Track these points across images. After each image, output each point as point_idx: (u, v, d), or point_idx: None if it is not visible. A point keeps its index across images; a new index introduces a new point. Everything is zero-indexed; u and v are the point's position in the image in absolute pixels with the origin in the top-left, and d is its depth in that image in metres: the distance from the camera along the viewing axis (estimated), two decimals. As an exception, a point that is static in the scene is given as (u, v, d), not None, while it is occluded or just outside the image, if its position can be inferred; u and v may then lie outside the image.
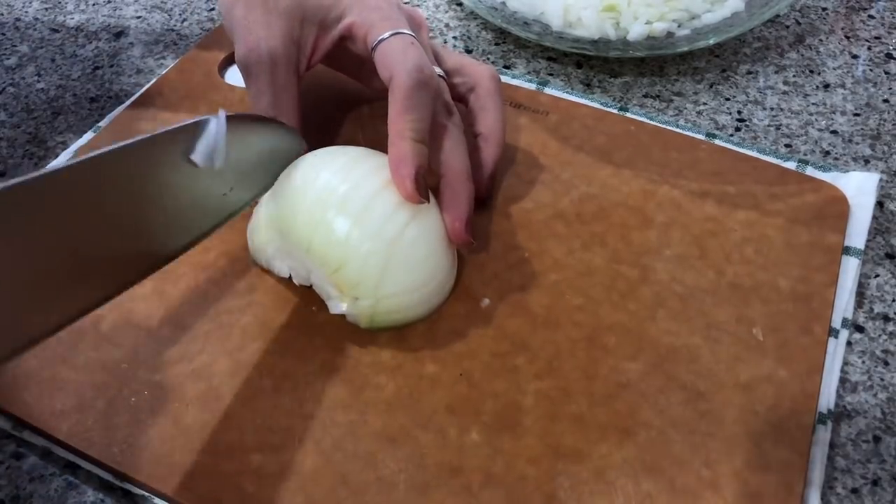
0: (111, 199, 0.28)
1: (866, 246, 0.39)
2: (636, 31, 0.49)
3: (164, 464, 0.31)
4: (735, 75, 0.49)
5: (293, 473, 0.31)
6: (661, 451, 0.31)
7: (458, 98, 0.39)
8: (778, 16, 0.53)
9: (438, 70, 0.38)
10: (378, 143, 0.35)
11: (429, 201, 0.34)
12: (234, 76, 0.47)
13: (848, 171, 0.42)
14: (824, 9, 0.54)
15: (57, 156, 0.45)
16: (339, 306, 0.34)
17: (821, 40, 0.52)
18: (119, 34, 0.54)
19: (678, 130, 0.44)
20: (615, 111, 0.46)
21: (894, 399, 0.34)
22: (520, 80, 0.48)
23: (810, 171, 0.42)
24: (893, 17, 0.54)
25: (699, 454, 0.31)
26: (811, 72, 0.49)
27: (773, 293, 0.36)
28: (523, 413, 0.32)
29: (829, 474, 0.32)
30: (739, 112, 0.47)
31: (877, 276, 0.38)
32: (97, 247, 0.28)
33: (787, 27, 0.53)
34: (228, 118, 0.31)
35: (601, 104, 0.46)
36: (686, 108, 0.47)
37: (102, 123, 0.46)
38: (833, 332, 0.35)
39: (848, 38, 0.52)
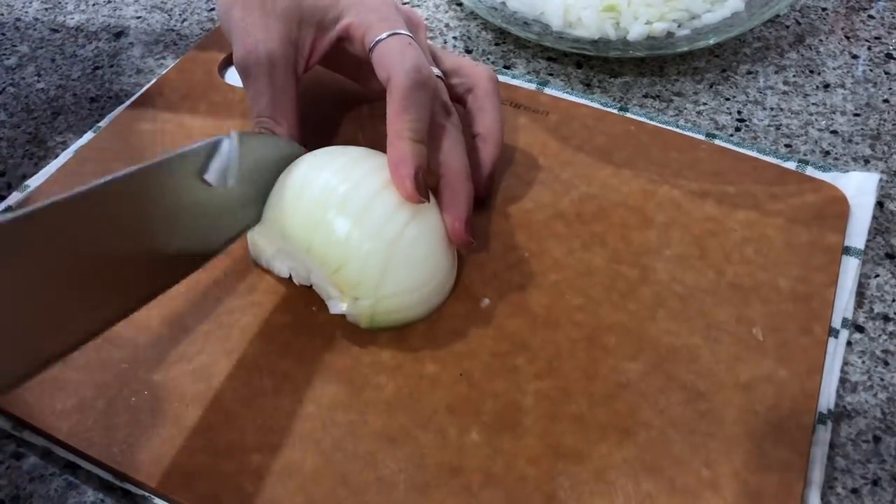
0: (131, 218, 0.29)
1: (866, 246, 0.39)
2: (636, 31, 0.49)
3: (164, 464, 0.31)
4: (735, 75, 0.49)
5: (293, 473, 0.31)
6: (661, 451, 0.31)
7: (456, 99, 0.39)
8: (778, 16, 0.53)
9: (436, 71, 0.38)
10: (378, 143, 0.35)
11: (429, 201, 0.34)
12: (233, 76, 0.47)
13: (848, 171, 0.42)
14: (824, 9, 0.54)
15: (57, 156, 0.45)
16: (339, 306, 0.34)
17: (821, 40, 0.52)
18: (119, 34, 0.54)
19: (678, 130, 0.44)
20: (615, 111, 0.46)
21: (894, 399, 0.34)
22: (520, 80, 0.48)
23: (810, 171, 0.42)
24: (893, 17, 0.54)
25: (699, 454, 0.31)
26: (811, 72, 0.49)
27: (773, 293, 0.36)
28: (523, 413, 0.32)
29: (829, 474, 0.32)
30: (739, 112, 0.47)
31: (877, 276, 0.38)
32: (117, 265, 0.29)
33: (787, 27, 0.53)
34: (240, 137, 0.32)
35: (601, 104, 0.46)
36: (686, 108, 0.47)
37: (102, 123, 0.46)
38: (833, 332, 0.35)
39: (848, 38, 0.52)
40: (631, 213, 0.39)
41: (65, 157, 0.44)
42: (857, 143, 0.45)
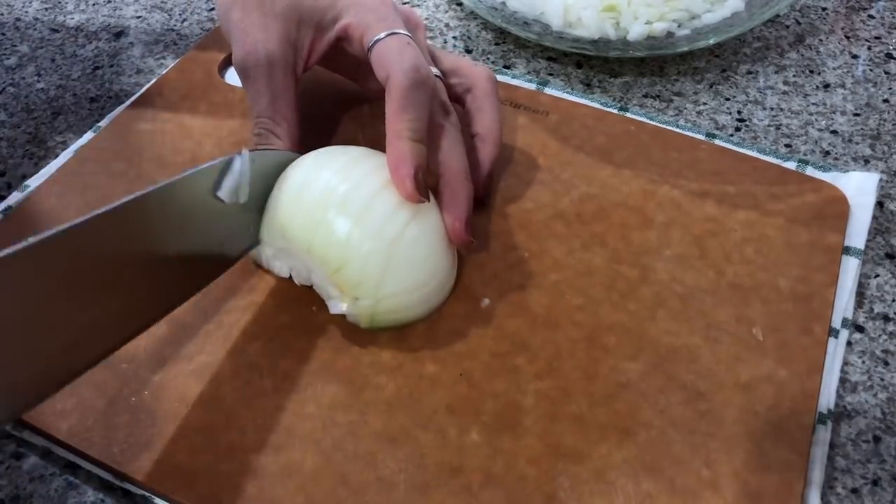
0: (146, 238, 0.30)
1: (866, 246, 0.39)
2: (636, 31, 0.49)
3: (164, 464, 0.31)
4: (735, 75, 0.49)
5: (293, 473, 0.31)
6: (661, 451, 0.31)
7: (454, 99, 0.39)
8: (778, 16, 0.53)
9: (435, 70, 0.38)
10: (378, 142, 0.35)
11: (428, 200, 0.34)
12: (234, 76, 0.47)
13: (848, 171, 0.42)
14: (824, 9, 0.54)
15: (57, 156, 0.45)
16: (339, 306, 0.34)
17: (821, 40, 0.52)
18: (119, 34, 0.54)
19: (678, 130, 0.44)
20: (615, 111, 0.46)
21: (894, 399, 0.34)
22: (520, 80, 0.48)
23: (810, 171, 0.42)
24: (893, 17, 0.54)
25: (699, 454, 0.31)
26: (811, 72, 0.49)
27: (773, 293, 0.36)
28: (523, 413, 0.32)
29: (829, 474, 0.32)
30: (739, 112, 0.47)
31: (877, 276, 0.38)
32: (133, 284, 0.30)
33: (787, 27, 0.53)
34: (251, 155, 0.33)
35: (601, 104, 0.46)
36: (686, 108, 0.47)
37: (102, 123, 0.46)
38: (833, 332, 0.35)
39: (848, 38, 0.52)
40: (631, 213, 0.39)
41: (65, 157, 0.44)
42: (857, 143, 0.45)
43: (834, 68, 0.50)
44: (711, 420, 0.32)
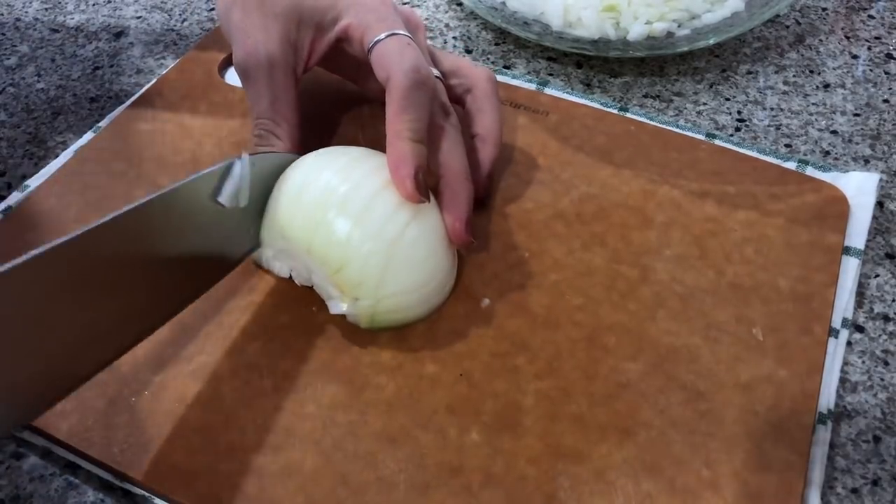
0: (148, 245, 0.30)
1: (866, 246, 0.39)
2: (636, 31, 0.49)
3: (164, 464, 0.31)
4: (735, 75, 0.49)
5: (293, 473, 0.31)
6: (661, 451, 0.31)
7: (455, 100, 0.39)
8: (778, 16, 0.53)
9: (435, 72, 0.38)
10: (378, 143, 0.35)
11: (429, 201, 0.34)
12: (234, 76, 0.47)
13: (848, 171, 0.42)
14: (824, 9, 0.54)
15: (57, 156, 0.45)
16: (339, 306, 0.34)
17: (821, 40, 0.52)
18: (119, 34, 0.54)
19: (678, 130, 0.44)
20: (615, 111, 0.46)
21: (894, 399, 0.34)
22: (520, 80, 0.48)
23: (810, 171, 0.42)
24: (893, 17, 0.54)
25: (699, 454, 0.31)
26: (811, 72, 0.49)
27: (773, 293, 0.36)
28: (523, 413, 0.32)
29: (829, 474, 0.32)
30: (739, 112, 0.47)
31: (877, 276, 0.38)
32: (137, 290, 0.30)
33: (787, 27, 0.53)
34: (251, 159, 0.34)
35: (601, 104, 0.46)
36: (686, 108, 0.47)
37: (102, 123, 0.46)
38: (833, 332, 0.35)
39: (848, 38, 0.52)
40: (631, 213, 0.39)
41: (65, 157, 0.44)
42: (857, 143, 0.45)
43: (834, 68, 0.50)
44: (711, 420, 0.32)
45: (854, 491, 0.31)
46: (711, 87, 0.49)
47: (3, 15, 0.56)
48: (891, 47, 0.51)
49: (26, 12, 0.56)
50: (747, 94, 0.48)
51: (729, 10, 0.50)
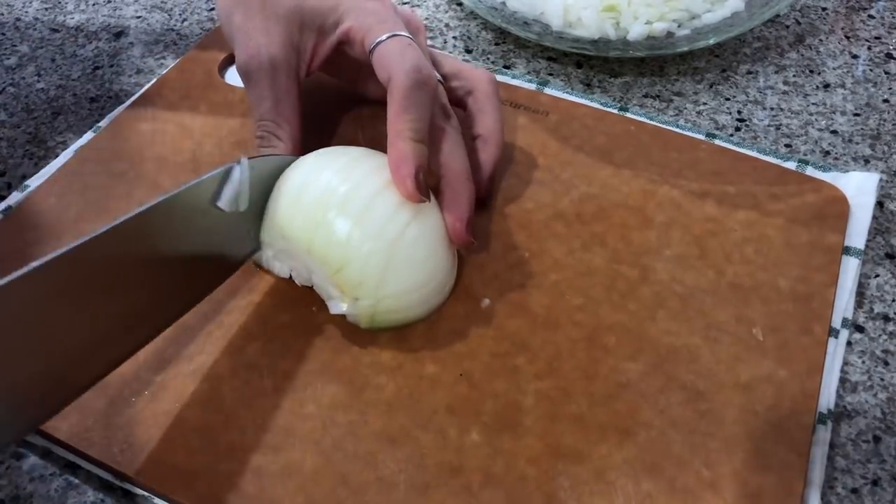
0: (150, 250, 0.30)
1: (866, 246, 0.39)
2: (636, 31, 0.49)
3: (164, 464, 0.31)
4: (735, 75, 0.49)
5: (293, 473, 0.31)
6: (661, 451, 0.31)
7: (455, 102, 0.39)
8: (778, 16, 0.53)
9: (436, 74, 0.38)
10: (378, 143, 0.35)
11: (429, 200, 0.34)
12: (234, 76, 0.47)
13: (848, 171, 0.42)
14: (824, 9, 0.54)
15: (57, 156, 0.45)
16: (339, 306, 0.34)
17: (821, 40, 0.52)
18: (119, 34, 0.54)
19: (678, 130, 0.44)
20: (615, 111, 0.46)
21: (894, 399, 0.34)
22: (520, 80, 0.48)
23: (810, 171, 0.42)
24: (893, 17, 0.54)
25: (699, 454, 0.31)
26: (811, 72, 0.49)
27: (773, 293, 0.36)
28: (523, 413, 0.32)
29: (829, 474, 0.32)
30: (739, 112, 0.47)
31: (877, 276, 0.38)
32: (140, 295, 0.31)
33: (787, 27, 0.53)
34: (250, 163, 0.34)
35: (601, 104, 0.46)
36: (686, 108, 0.47)
37: (102, 123, 0.46)
38: (833, 332, 0.35)
39: (848, 38, 0.52)
40: (631, 213, 0.39)
41: (65, 157, 0.44)
42: (857, 143, 0.45)
43: (834, 68, 0.50)
44: (711, 420, 0.32)
45: (854, 491, 0.31)
46: (711, 87, 0.49)
47: (3, 15, 0.56)
48: (891, 47, 0.51)
49: (26, 12, 0.56)
50: (747, 94, 0.48)
51: (729, 10, 0.50)
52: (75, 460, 0.32)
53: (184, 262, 0.32)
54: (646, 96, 0.48)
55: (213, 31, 0.52)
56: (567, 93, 0.47)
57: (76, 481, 0.32)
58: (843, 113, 0.47)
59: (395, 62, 0.34)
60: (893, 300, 0.37)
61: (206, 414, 0.32)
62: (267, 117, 0.38)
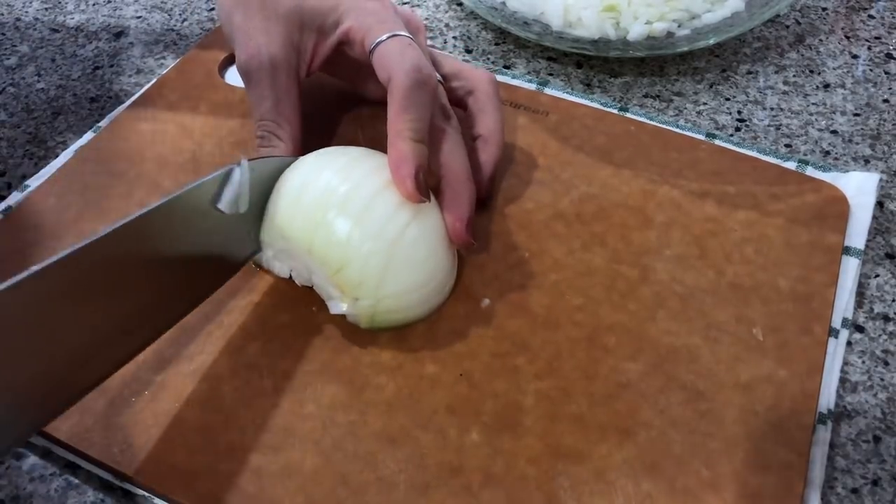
0: (152, 253, 0.30)
1: (866, 246, 0.39)
2: (636, 31, 0.49)
3: (164, 464, 0.31)
4: (735, 75, 0.49)
5: (293, 473, 0.31)
6: (661, 451, 0.31)
7: (456, 102, 0.39)
8: (778, 16, 0.53)
9: (436, 74, 0.38)
10: (378, 143, 0.35)
11: (430, 200, 0.34)
12: (234, 76, 0.47)
13: (848, 171, 0.42)
14: (824, 9, 0.54)
15: (57, 156, 0.45)
16: (339, 306, 0.34)
17: (821, 40, 0.52)
18: (119, 34, 0.54)
19: (678, 130, 0.44)
20: (615, 111, 0.46)
21: (894, 399, 0.34)
22: (520, 80, 0.48)
23: (810, 171, 0.42)
24: (893, 17, 0.54)
25: (699, 454, 0.31)
26: (811, 72, 0.49)
27: (773, 293, 0.36)
28: (523, 413, 0.32)
29: (829, 474, 0.32)
30: (739, 112, 0.47)
31: (877, 276, 0.38)
32: (142, 298, 0.31)
33: (787, 27, 0.53)
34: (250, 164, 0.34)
35: (601, 104, 0.46)
36: (686, 108, 0.47)
37: (102, 123, 0.46)
38: (833, 332, 0.35)
39: (848, 38, 0.52)
40: (631, 213, 0.39)
41: (65, 157, 0.44)
42: (857, 143, 0.45)
43: (834, 68, 0.50)
44: (711, 420, 0.32)
45: (854, 491, 0.31)
46: (711, 87, 0.49)
47: (3, 15, 0.56)
48: (891, 47, 0.51)
49: (26, 12, 0.56)
50: (747, 94, 0.48)
51: (729, 10, 0.50)
52: (75, 460, 0.32)
53: (184, 264, 0.32)
54: (646, 96, 0.48)
55: (213, 31, 0.52)
56: (567, 93, 0.47)
57: (76, 481, 0.32)
58: (843, 113, 0.47)
59: (395, 62, 0.34)
60: (893, 300, 0.37)
61: (205, 414, 0.32)
62: (267, 117, 0.38)
